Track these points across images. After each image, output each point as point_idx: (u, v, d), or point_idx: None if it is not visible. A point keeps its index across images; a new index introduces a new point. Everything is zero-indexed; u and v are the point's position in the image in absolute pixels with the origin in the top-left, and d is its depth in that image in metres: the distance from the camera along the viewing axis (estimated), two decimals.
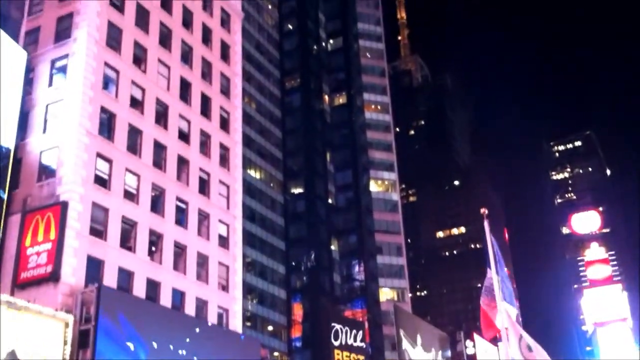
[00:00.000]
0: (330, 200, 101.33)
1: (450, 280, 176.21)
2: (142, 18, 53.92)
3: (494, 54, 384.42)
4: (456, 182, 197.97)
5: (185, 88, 56.93)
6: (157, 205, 50.16)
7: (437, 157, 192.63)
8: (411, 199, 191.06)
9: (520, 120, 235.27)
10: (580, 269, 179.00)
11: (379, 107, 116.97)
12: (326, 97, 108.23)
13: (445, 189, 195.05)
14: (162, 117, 53.33)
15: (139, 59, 52.53)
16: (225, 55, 64.47)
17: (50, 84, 47.19)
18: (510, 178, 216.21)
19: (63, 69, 47.24)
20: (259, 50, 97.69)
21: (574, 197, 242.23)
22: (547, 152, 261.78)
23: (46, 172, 44.43)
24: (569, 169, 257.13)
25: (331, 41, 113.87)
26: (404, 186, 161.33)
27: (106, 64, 48.61)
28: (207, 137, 58.13)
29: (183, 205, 52.73)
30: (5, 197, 41.15)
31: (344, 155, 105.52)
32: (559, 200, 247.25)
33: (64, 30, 48.66)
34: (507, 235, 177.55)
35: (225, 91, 62.97)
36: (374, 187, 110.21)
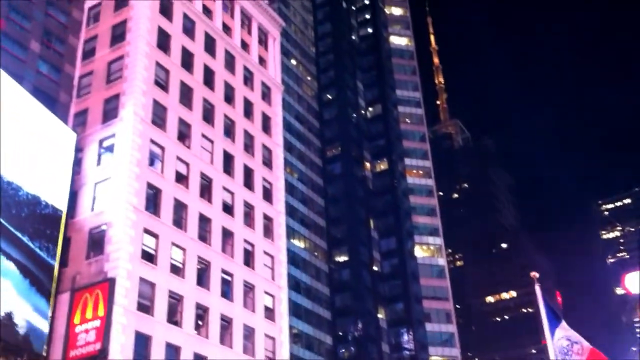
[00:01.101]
0: (375, 268, 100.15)
1: (503, 347, 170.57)
2: (186, 95, 55.50)
3: (535, 115, 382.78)
4: (503, 245, 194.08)
5: (228, 161, 57.84)
6: (202, 278, 50.28)
7: (483, 221, 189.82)
8: (458, 263, 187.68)
9: (565, 180, 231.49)
10: (638, 330, 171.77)
11: (420, 172, 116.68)
12: (367, 164, 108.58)
13: (493, 253, 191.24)
14: (206, 190, 54.08)
15: (183, 134, 53.80)
16: (266, 127, 65.60)
17: (98, 163, 48.46)
18: (558, 239, 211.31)
19: (110, 148, 48.57)
20: (299, 120, 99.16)
21: (627, 256, 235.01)
22: (595, 212, 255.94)
23: (95, 250, 45.11)
24: (619, 228, 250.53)
25: (370, 109, 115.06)
26: (450, 251, 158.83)
27: (152, 141, 49.84)
28: (251, 209, 58.58)
29: (228, 278, 52.73)
30: (56, 269, 41.78)
31: (387, 222, 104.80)
32: (611, 260, 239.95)
33: (111, 110, 50.31)
34: (560, 298, 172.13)
35: (267, 162, 63.74)
36: (420, 252, 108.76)
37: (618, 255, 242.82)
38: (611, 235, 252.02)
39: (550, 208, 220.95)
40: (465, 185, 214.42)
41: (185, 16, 58.98)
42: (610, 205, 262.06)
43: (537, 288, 25.12)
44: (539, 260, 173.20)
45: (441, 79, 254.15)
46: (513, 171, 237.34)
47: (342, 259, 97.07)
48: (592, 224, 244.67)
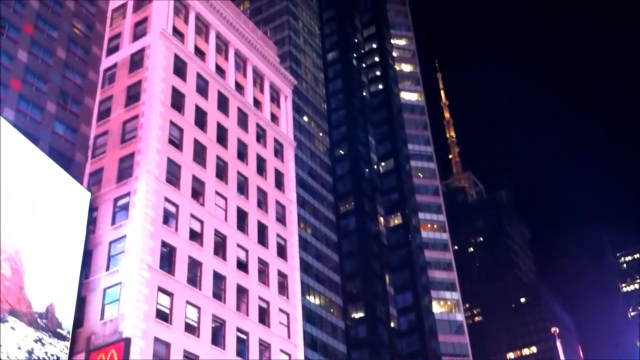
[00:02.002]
0: (392, 324, 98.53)
1: None
2: (200, 153, 55.93)
3: (550, 166, 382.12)
4: (522, 300, 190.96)
5: (242, 218, 57.80)
6: (217, 337, 49.58)
7: (500, 274, 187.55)
8: (477, 319, 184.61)
9: (582, 232, 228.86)
10: None
11: (435, 226, 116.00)
12: (381, 219, 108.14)
13: (512, 307, 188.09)
14: (220, 247, 53.89)
15: (197, 192, 53.97)
16: (279, 183, 65.75)
17: (113, 222, 48.54)
18: (578, 292, 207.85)
19: (125, 207, 48.71)
20: (312, 176, 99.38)
21: None
22: (613, 264, 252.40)
23: (109, 309, 44.72)
24: (639, 280, 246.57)
25: (383, 163, 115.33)
26: (468, 306, 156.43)
27: (166, 199, 50.00)
28: (265, 265, 58.19)
29: (243, 336, 51.98)
30: (70, 335, 41.36)
31: (403, 277, 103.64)
32: (633, 313, 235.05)
33: (125, 169, 50.69)
34: (581, 353, 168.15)
35: (281, 218, 63.64)
36: (437, 308, 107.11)
37: (639, 308, 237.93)
38: (631, 287, 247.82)
39: (569, 260, 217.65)
40: (481, 238, 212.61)
41: (199, 76, 59.97)
42: (629, 258, 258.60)
43: (559, 343, 24.49)
44: (560, 315, 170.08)
45: (452, 133, 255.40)
46: (529, 223, 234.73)
47: (358, 315, 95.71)
48: (611, 277, 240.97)
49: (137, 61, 56.61)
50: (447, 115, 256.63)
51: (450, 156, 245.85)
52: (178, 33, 59.80)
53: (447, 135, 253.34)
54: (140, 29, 58.49)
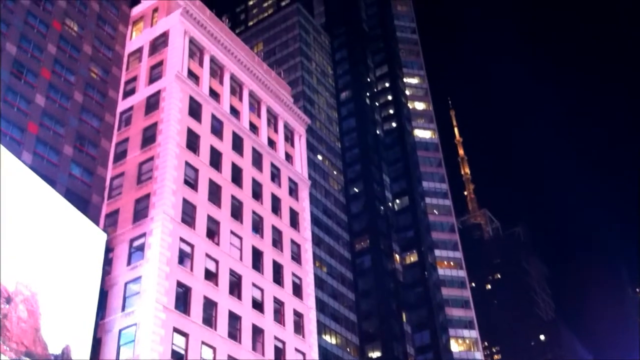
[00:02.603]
0: None
1: None
2: (215, 193, 56.32)
3: (565, 201, 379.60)
4: (542, 337, 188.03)
5: (257, 257, 57.84)
6: None
7: (519, 312, 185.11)
8: (496, 357, 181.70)
9: (600, 267, 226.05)
10: None
11: (452, 263, 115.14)
12: (397, 257, 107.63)
13: (532, 345, 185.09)
14: (235, 287, 53.83)
15: (213, 232, 54.18)
16: (294, 222, 65.86)
17: (128, 263, 48.77)
18: (597, 328, 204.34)
19: (141, 247, 48.97)
20: (327, 214, 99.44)
21: None
22: (632, 299, 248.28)
23: (125, 351, 44.65)
24: None
25: (397, 201, 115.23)
26: (486, 344, 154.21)
27: (181, 239, 50.23)
28: (281, 305, 57.96)
29: None
30: None
31: (420, 315, 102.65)
32: None
33: (141, 210, 51.09)
34: None
35: (296, 257, 63.58)
36: (455, 346, 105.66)
37: None
38: None
39: (587, 296, 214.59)
40: (499, 275, 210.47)
41: (214, 117, 60.73)
42: None
43: None
44: (579, 352, 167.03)
45: (467, 170, 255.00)
46: (546, 259, 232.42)
47: (375, 354, 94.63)
48: (630, 312, 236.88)
49: (152, 103, 57.51)
50: (461, 152, 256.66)
51: (466, 193, 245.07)
52: (193, 75, 60.80)
53: (462, 172, 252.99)
54: (156, 72, 59.54)
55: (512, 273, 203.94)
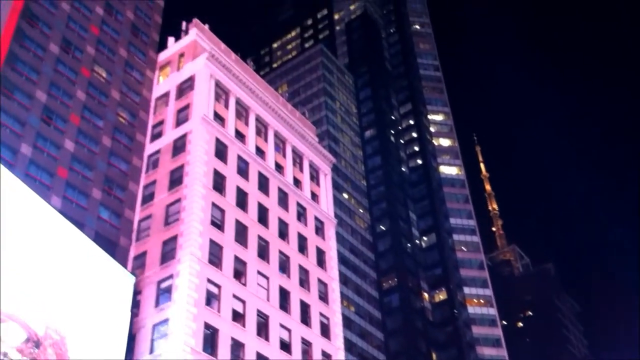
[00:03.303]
0: None
1: None
2: (241, 233, 56.53)
3: (595, 237, 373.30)
4: None
5: (284, 297, 57.63)
6: None
7: (552, 350, 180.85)
8: None
9: (632, 302, 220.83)
10: None
11: (481, 301, 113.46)
12: (425, 295, 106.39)
13: None
14: (263, 328, 53.58)
15: (239, 272, 54.24)
16: (321, 261, 65.69)
17: (156, 305, 48.90)
18: None
19: (168, 289, 49.15)
20: (354, 253, 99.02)
21: None
22: None
23: None
24: None
25: (425, 238, 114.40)
26: None
27: (208, 280, 50.32)
28: (309, 345, 57.48)
29: None
30: None
31: (450, 355, 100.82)
32: None
33: (168, 252, 51.42)
34: None
35: (324, 297, 63.22)
36: None
37: None
38: None
39: (621, 332, 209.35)
40: (530, 313, 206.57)
41: (240, 158, 61.31)
42: None
43: None
44: None
45: (495, 206, 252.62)
46: (578, 295, 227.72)
47: None
48: None
49: (179, 146, 58.29)
50: (488, 187, 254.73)
51: (494, 229, 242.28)
52: (219, 117, 61.63)
53: (490, 208, 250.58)
54: (182, 115, 60.50)
55: (543, 310, 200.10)
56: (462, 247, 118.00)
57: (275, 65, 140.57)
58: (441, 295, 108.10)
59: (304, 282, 61.37)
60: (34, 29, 52.25)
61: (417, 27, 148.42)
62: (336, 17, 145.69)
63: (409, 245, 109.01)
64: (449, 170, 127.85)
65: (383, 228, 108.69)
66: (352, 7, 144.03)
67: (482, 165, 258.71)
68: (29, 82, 49.77)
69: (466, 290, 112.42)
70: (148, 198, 56.49)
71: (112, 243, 50.45)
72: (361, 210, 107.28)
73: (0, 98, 46.39)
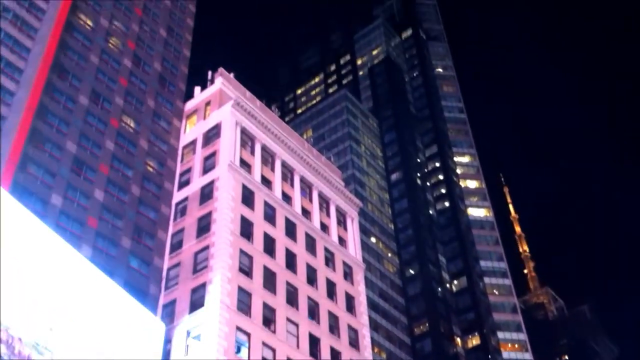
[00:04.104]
0: None
1: None
2: (270, 280, 56.16)
3: (632, 276, 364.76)
4: None
5: (314, 344, 56.79)
6: None
7: None
8: None
9: None
10: None
11: (516, 345, 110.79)
12: (458, 340, 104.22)
13: None
14: None
15: (269, 319, 53.68)
16: (350, 306, 64.83)
17: (186, 353, 48.49)
18: None
19: (197, 337, 48.75)
20: (384, 298, 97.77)
21: None
22: None
23: None
24: None
25: (455, 282, 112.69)
26: None
27: (238, 328, 49.85)
28: None
29: None
30: None
31: None
32: None
33: (197, 299, 51.19)
34: None
35: (354, 343, 62.16)
36: None
37: None
38: None
39: None
40: (566, 357, 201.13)
41: (266, 204, 61.36)
42: None
43: None
44: None
45: (525, 247, 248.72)
46: (616, 338, 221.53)
47: None
48: None
49: (207, 193, 58.58)
50: (517, 229, 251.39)
51: (526, 271, 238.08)
52: (245, 164, 61.98)
53: (520, 250, 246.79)
54: (209, 163, 60.97)
55: (580, 354, 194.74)
56: (494, 291, 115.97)
57: (299, 111, 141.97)
58: (474, 340, 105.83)
59: (333, 329, 60.51)
60: (63, 82, 53.41)
61: (440, 70, 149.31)
62: (359, 62, 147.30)
63: (439, 289, 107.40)
64: (478, 212, 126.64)
65: (412, 272, 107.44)
66: (374, 52, 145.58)
67: (510, 207, 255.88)
68: (59, 134, 50.62)
69: (500, 334, 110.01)
70: (176, 246, 56.58)
71: (142, 291, 50.34)
72: (390, 254, 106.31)
73: (31, 150, 47.21)
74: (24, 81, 49.18)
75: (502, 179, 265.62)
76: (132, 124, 58.48)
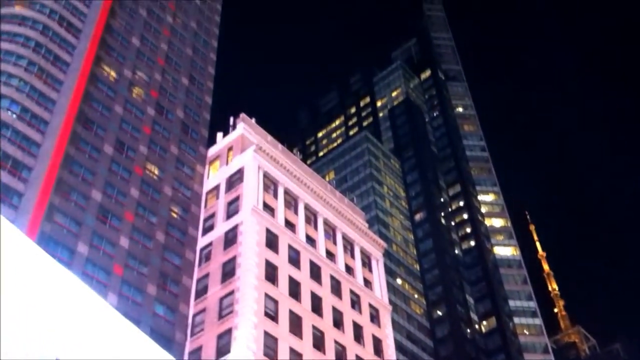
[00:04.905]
0: None
1: None
2: (296, 324, 55.63)
3: None
4: None
5: None
6: None
7: None
8: None
9: None
10: None
11: None
12: None
13: None
14: None
15: None
16: (378, 350, 63.86)
17: None
18: None
19: None
20: (411, 340, 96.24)
21: None
22: None
23: None
24: None
25: (484, 322, 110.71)
26: None
27: None
28: None
29: None
30: None
31: None
32: None
33: (223, 345, 50.80)
34: None
35: None
36: None
37: None
38: None
39: None
40: None
41: (290, 247, 61.20)
42: None
43: None
44: None
45: (555, 286, 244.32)
46: None
47: None
48: None
49: (231, 238, 58.63)
50: (546, 267, 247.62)
51: (556, 310, 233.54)
52: (268, 208, 62.08)
53: (550, 288, 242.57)
54: (232, 207, 61.19)
55: None
56: (525, 331, 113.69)
57: (321, 153, 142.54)
58: None
59: None
60: (88, 132, 54.34)
61: (461, 109, 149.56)
62: (379, 104, 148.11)
63: (468, 330, 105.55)
64: (504, 250, 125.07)
65: (440, 313, 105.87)
66: (394, 94, 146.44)
67: (537, 245, 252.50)
68: (85, 183, 51.29)
69: None
70: (201, 292, 56.45)
71: (168, 339, 50.14)
72: (416, 296, 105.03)
73: (57, 200, 47.80)
74: (49, 132, 50.16)
75: (528, 217, 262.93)
76: (156, 171, 59.10)
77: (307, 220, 66.79)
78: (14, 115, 49.35)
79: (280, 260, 58.83)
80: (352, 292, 65.69)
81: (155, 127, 62.12)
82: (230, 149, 67.19)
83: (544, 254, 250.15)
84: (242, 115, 70.21)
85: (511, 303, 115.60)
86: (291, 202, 66.38)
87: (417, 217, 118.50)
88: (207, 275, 57.37)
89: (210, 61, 76.45)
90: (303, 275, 60.34)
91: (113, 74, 60.24)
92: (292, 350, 53.42)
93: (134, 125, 59.46)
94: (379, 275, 72.76)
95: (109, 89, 58.88)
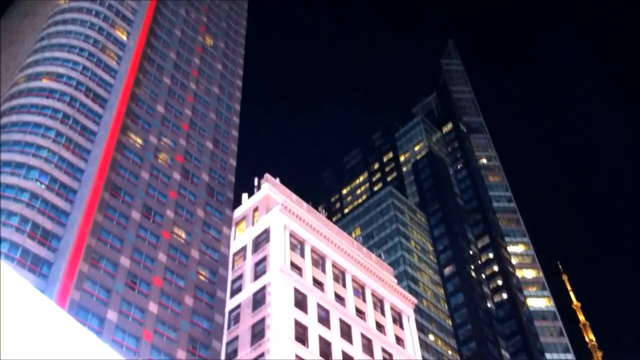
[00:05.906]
0: None
1: None
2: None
3: None
4: None
5: None
6: None
7: None
8: None
9: None
10: None
11: None
12: None
13: None
14: None
15: None
16: None
17: None
18: None
19: None
20: None
21: None
22: None
23: None
24: None
25: None
26: None
27: None
28: None
29: None
30: None
31: None
32: None
33: None
34: None
35: None
36: None
37: None
38: None
39: None
40: None
41: (320, 306, 60.58)
42: None
43: None
44: None
45: (592, 336, 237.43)
46: None
47: None
48: None
49: (259, 299, 58.29)
50: (581, 317, 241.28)
51: None
52: (296, 267, 61.79)
53: (587, 339, 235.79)
54: (260, 268, 61.03)
55: None
56: None
57: (346, 210, 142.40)
58: None
59: None
60: (116, 199, 55.02)
61: (485, 161, 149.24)
62: (402, 158, 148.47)
63: None
64: (538, 302, 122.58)
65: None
66: (416, 148, 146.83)
67: (571, 295, 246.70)
68: (113, 250, 51.65)
69: None
70: (231, 355, 55.88)
71: None
72: (450, 352, 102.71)
73: (87, 267, 48.11)
74: (78, 201, 50.89)
75: (560, 266, 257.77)
76: (183, 235, 59.38)
77: (336, 279, 66.28)
78: (43, 186, 50.27)
79: (310, 319, 58.18)
80: (384, 350, 64.51)
81: (182, 191, 62.74)
82: (255, 209, 67.48)
83: (579, 304, 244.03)
84: (267, 175, 70.76)
85: (548, 356, 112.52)
86: (318, 260, 66.07)
87: (447, 271, 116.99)
88: (236, 338, 56.88)
89: (233, 124, 77.60)
90: (333, 335, 59.52)
91: (139, 141, 61.34)
92: None
93: (160, 191, 60.11)
94: (410, 332, 71.51)
95: (135, 156, 59.86)
